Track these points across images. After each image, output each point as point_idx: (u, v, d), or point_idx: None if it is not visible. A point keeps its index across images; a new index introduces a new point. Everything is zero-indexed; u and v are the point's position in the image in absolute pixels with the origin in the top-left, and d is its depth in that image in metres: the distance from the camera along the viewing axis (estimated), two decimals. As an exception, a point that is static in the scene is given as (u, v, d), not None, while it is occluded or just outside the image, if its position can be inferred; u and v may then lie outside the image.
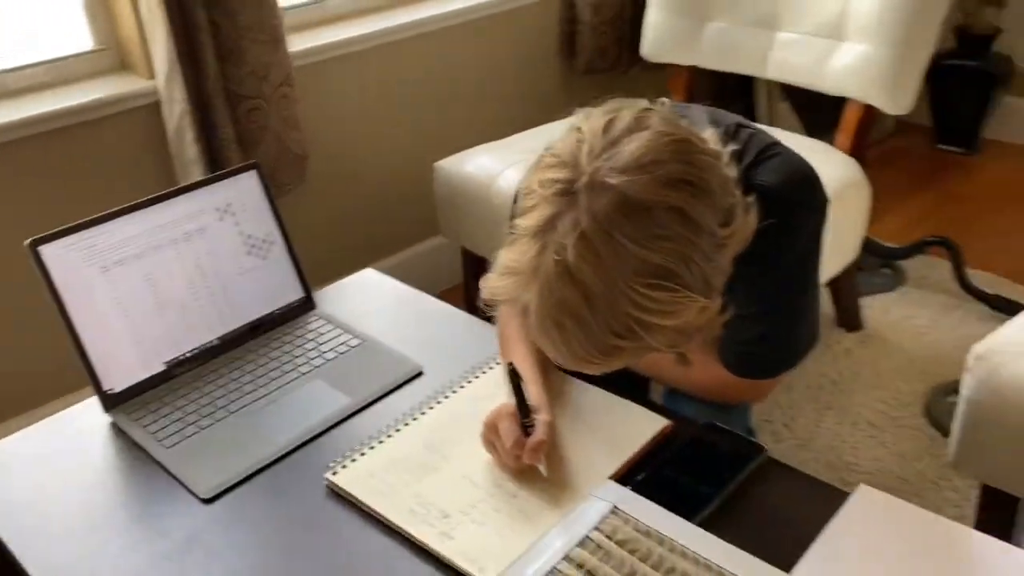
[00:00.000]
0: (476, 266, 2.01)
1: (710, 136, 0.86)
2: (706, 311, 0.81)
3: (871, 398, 1.87)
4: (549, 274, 0.79)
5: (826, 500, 0.92)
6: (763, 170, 0.94)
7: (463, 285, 2.07)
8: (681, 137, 0.80)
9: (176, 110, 1.64)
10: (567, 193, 0.79)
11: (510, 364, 0.99)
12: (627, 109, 0.83)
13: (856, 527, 0.88)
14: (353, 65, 2.08)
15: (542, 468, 0.96)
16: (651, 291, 0.77)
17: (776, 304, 0.99)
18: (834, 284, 2.00)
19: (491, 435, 0.98)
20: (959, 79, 2.94)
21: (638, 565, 0.83)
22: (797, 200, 0.94)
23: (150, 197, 1.17)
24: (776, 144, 0.97)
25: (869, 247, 2.26)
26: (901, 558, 0.84)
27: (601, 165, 0.78)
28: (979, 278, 2.24)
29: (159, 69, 1.65)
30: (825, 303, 2.05)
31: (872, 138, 2.50)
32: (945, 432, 1.74)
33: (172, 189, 1.19)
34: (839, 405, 1.86)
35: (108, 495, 1.02)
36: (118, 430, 1.11)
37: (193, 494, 1.00)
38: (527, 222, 0.82)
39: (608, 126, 0.81)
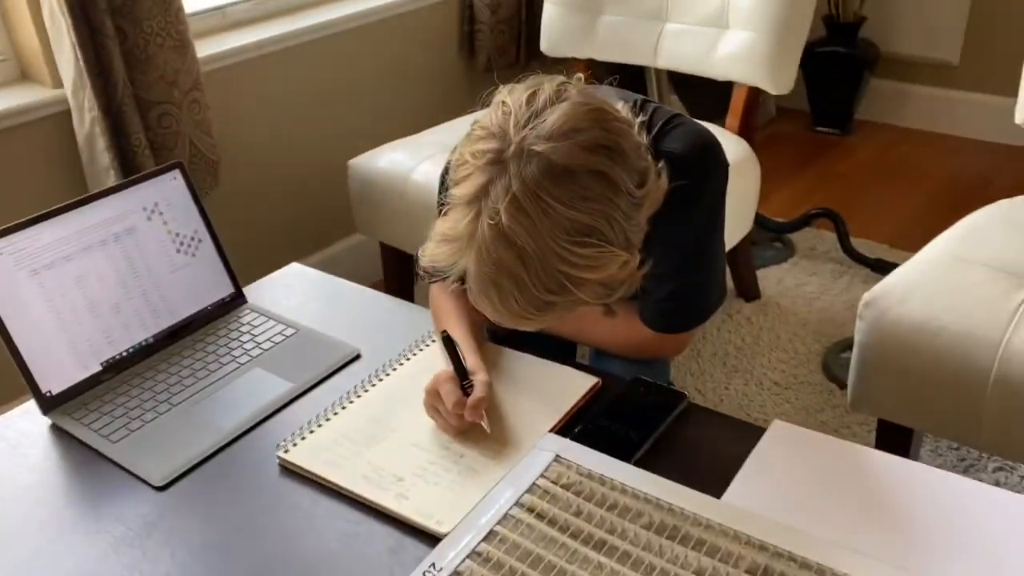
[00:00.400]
0: (395, 260, 2.06)
1: (621, 107, 0.94)
2: (627, 265, 0.89)
3: (773, 360, 2.01)
4: (485, 237, 0.85)
5: (745, 436, 1.01)
6: (669, 138, 1.03)
7: (383, 281, 2.11)
8: (597, 106, 0.88)
9: (86, 118, 1.63)
10: (497, 161, 0.86)
11: (444, 332, 1.05)
12: (547, 83, 0.90)
13: (774, 455, 0.97)
14: (260, 69, 2.10)
15: (485, 425, 1.02)
16: (578, 248, 0.85)
17: (688, 261, 1.09)
18: (732, 257, 2.13)
19: (433, 400, 1.03)
20: (831, 65, 3.15)
21: (583, 504, 0.91)
22: (701, 164, 1.04)
23: (76, 199, 1.18)
24: (679, 115, 1.06)
25: (761, 222, 2.41)
26: (815, 477, 0.94)
27: (527, 134, 0.85)
28: (861, 245, 2.42)
29: (66, 77, 1.63)
30: (726, 276, 2.18)
31: (757, 124, 2.66)
32: (842, 385, 1.89)
33: (98, 191, 1.20)
34: (744, 368, 1.99)
35: (56, 493, 1.02)
36: (59, 431, 1.12)
37: (146, 483, 1.02)
38: (461, 191, 0.88)
39: (531, 98, 0.88)
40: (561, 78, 0.93)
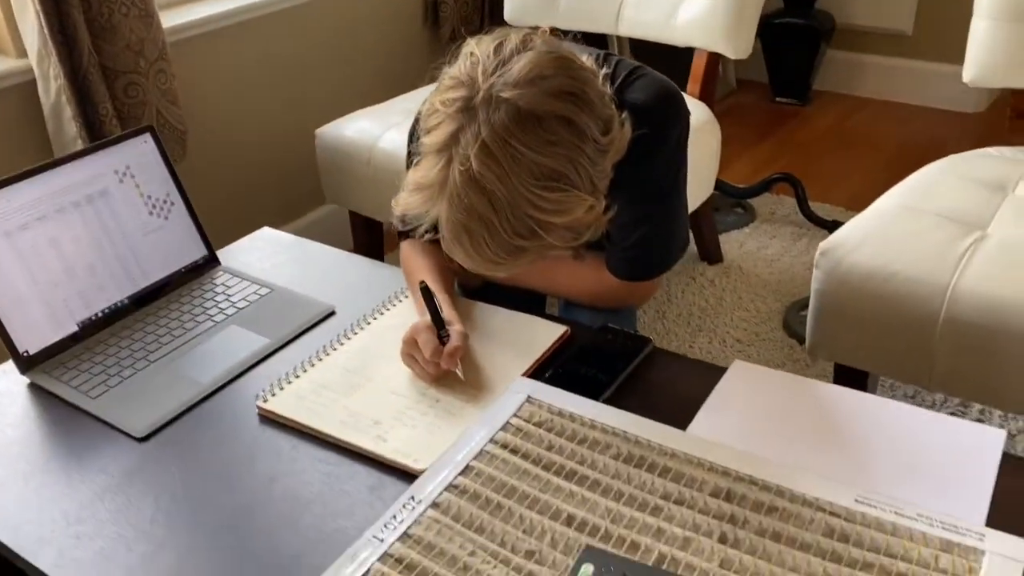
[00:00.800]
0: (365, 229, 2.08)
1: (586, 59, 0.98)
2: (593, 210, 0.93)
3: (735, 319, 2.07)
4: (456, 184, 0.89)
5: (707, 375, 1.05)
6: (632, 89, 1.06)
7: (354, 250, 2.13)
8: (562, 55, 0.92)
9: (52, 87, 1.63)
10: (466, 109, 0.89)
11: (422, 282, 1.08)
12: (513, 34, 0.93)
13: (735, 391, 1.02)
14: (226, 40, 2.10)
15: (459, 372, 1.05)
16: (546, 192, 0.88)
17: (652, 210, 1.13)
18: (696, 222, 2.18)
19: (410, 349, 1.06)
20: (789, 36, 3.20)
21: (554, 439, 0.95)
22: (664, 113, 1.08)
23: (48, 162, 1.19)
24: (641, 67, 1.10)
25: (723, 189, 2.47)
26: (774, 410, 0.98)
27: (495, 81, 0.88)
28: (819, 209, 2.48)
29: (30, 47, 1.63)
30: (688, 227, 2.23)
31: (717, 95, 2.70)
32: (801, 340, 1.95)
33: (69, 154, 1.21)
34: (708, 327, 2.04)
35: (38, 447, 1.04)
36: (38, 390, 1.13)
37: (127, 435, 1.04)
38: (432, 139, 0.91)
39: (498, 48, 0.91)
40: (527, 29, 0.96)
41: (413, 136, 1.16)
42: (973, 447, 0.91)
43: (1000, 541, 0.78)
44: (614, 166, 0.97)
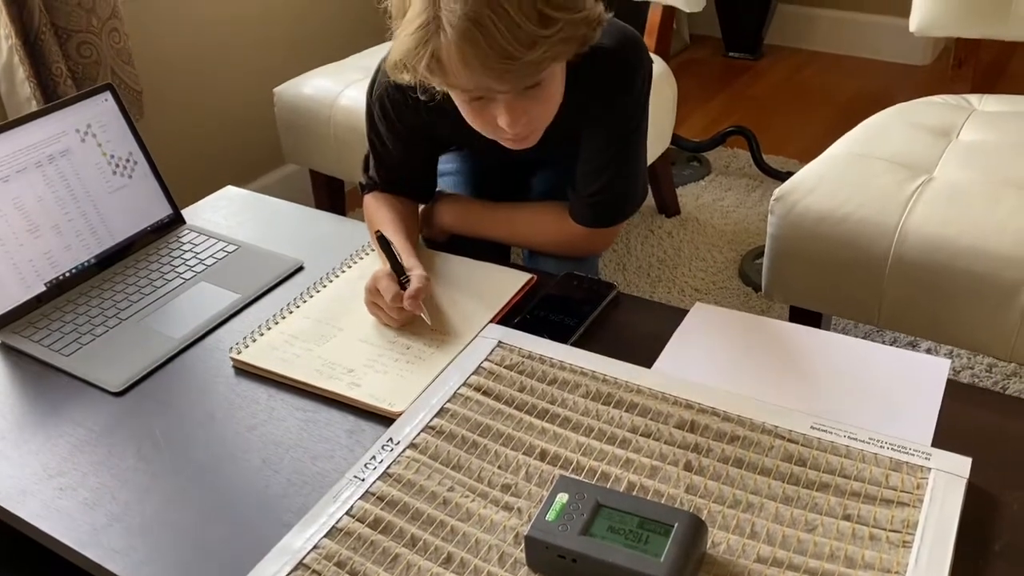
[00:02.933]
0: (327, 187, 2.08)
1: None
2: (589, 21, 0.94)
3: (694, 269, 2.12)
4: None
5: (670, 317, 1.09)
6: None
7: (316, 207, 2.13)
8: None
9: (3, 47, 1.60)
10: None
11: (378, 232, 1.09)
12: None
13: (697, 331, 1.06)
14: (178, -2, 2.07)
15: (425, 316, 1.07)
16: None
17: (614, 157, 1.15)
18: (653, 175, 2.21)
19: (373, 296, 1.08)
20: (741, -9, 3.24)
21: (526, 380, 0.98)
22: (629, 59, 1.10)
23: (7, 122, 1.18)
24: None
25: (678, 143, 2.51)
26: (734, 346, 1.03)
27: None
28: (773, 161, 2.53)
29: (-22, 6, 1.60)
30: (648, 194, 2.27)
31: (671, 51, 2.73)
32: (757, 288, 2.00)
33: (29, 113, 1.20)
34: (667, 278, 2.09)
35: (13, 405, 1.04)
36: (9, 350, 1.14)
37: (103, 390, 1.05)
38: None
39: None
40: None
41: (374, 85, 1.17)
42: (920, 375, 0.96)
43: (945, 459, 0.83)
44: (580, 108, 0.98)
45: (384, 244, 1.10)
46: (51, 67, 1.65)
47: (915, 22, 1.70)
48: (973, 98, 1.68)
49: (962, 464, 0.82)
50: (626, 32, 1.11)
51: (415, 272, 1.08)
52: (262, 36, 2.31)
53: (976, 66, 1.85)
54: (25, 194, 1.18)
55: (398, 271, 1.08)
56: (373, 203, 1.26)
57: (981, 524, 0.78)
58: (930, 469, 0.82)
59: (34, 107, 1.65)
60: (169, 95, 2.11)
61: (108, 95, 1.29)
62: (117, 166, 1.29)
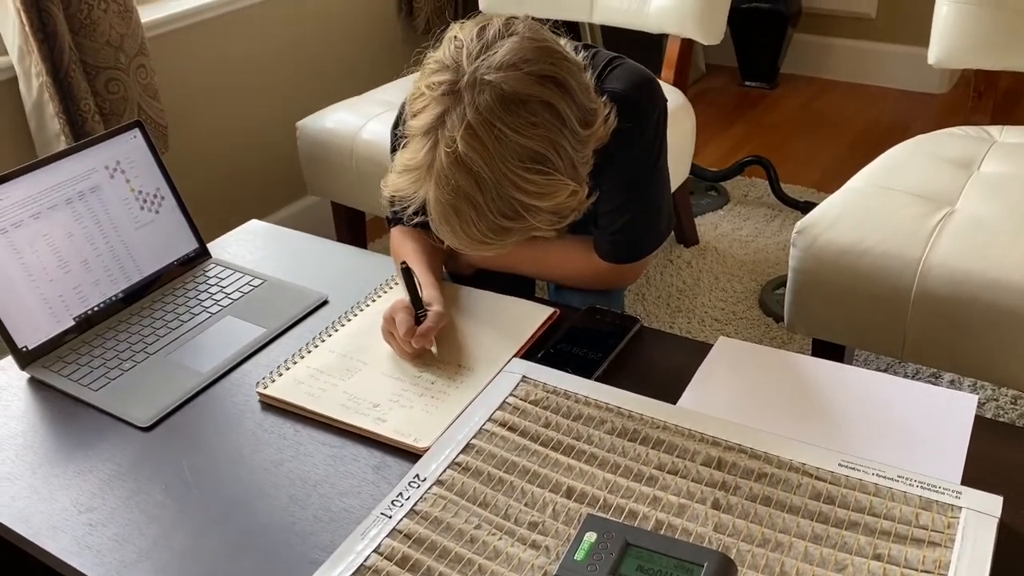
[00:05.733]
0: (348, 219, 2.10)
1: (568, 47, 1.01)
2: (576, 195, 0.96)
3: (713, 299, 2.12)
4: (443, 165, 0.92)
5: (694, 352, 1.10)
6: (611, 78, 1.10)
7: (337, 240, 2.15)
8: (546, 44, 0.96)
9: (34, 85, 1.63)
10: (452, 92, 0.92)
11: (403, 263, 1.11)
12: (496, 18, 0.97)
13: (721, 366, 1.06)
14: (204, 34, 2.11)
15: (433, 350, 1.09)
16: (529, 174, 0.92)
17: (635, 195, 1.16)
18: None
19: (389, 326, 1.09)
20: (756, 22, 3.25)
21: (551, 416, 0.98)
22: (643, 101, 1.11)
23: (40, 159, 1.20)
24: (619, 56, 1.13)
25: (697, 172, 2.51)
26: (759, 382, 1.03)
27: (479, 64, 0.92)
28: (791, 190, 2.54)
29: (11, 44, 1.63)
30: (672, 206, 2.28)
31: (688, 80, 2.75)
32: (777, 319, 2.00)
33: (60, 151, 1.23)
34: (687, 308, 2.09)
35: (44, 439, 1.05)
36: (39, 384, 1.15)
37: (131, 425, 1.06)
38: (419, 122, 0.94)
39: (481, 32, 0.95)
40: (509, 14, 1.00)
41: (399, 120, 1.19)
42: (947, 411, 0.96)
43: (976, 498, 0.83)
44: (596, 152, 1.00)
45: (407, 276, 1.11)
46: (80, 103, 1.68)
47: (934, 55, 1.71)
48: (994, 129, 1.68)
49: (994, 503, 0.82)
50: (638, 74, 1.12)
51: (433, 308, 1.09)
52: (285, 71, 2.34)
53: (994, 96, 1.86)
54: (55, 231, 1.20)
55: (417, 305, 1.09)
56: (399, 236, 1.27)
57: (1011, 566, 0.78)
58: (961, 508, 0.82)
59: (63, 143, 1.68)
60: (194, 129, 2.15)
61: (137, 132, 1.31)
62: (145, 201, 1.31)
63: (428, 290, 1.13)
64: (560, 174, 0.94)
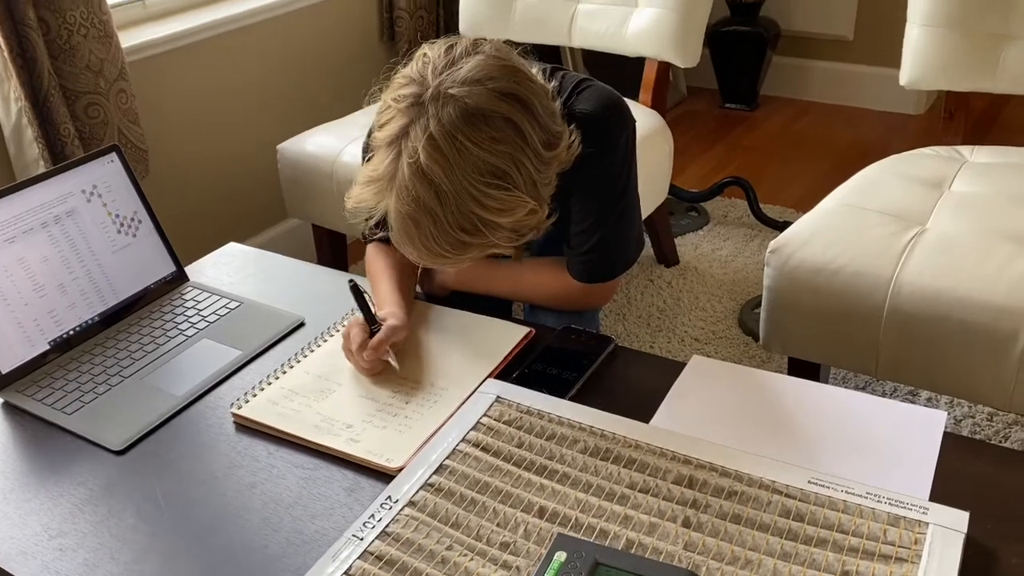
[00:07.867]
0: (329, 241, 2.11)
1: (536, 71, 1.03)
2: (535, 214, 0.98)
3: (693, 319, 2.13)
4: (404, 176, 0.93)
5: (668, 371, 1.10)
6: (579, 100, 1.11)
7: (317, 262, 2.16)
8: (511, 63, 0.97)
9: (12, 109, 1.63)
10: (416, 104, 0.93)
11: (351, 280, 1.12)
12: (464, 39, 0.99)
13: (694, 384, 1.07)
14: (185, 58, 2.12)
15: (393, 363, 1.09)
16: (490, 190, 0.93)
17: (605, 216, 1.17)
18: (651, 227, 2.24)
19: (346, 343, 1.11)
20: (735, 44, 3.30)
21: (524, 436, 0.99)
22: (611, 122, 1.13)
23: (15, 184, 1.20)
24: (587, 79, 1.15)
25: (676, 193, 2.53)
26: (731, 400, 1.03)
27: (444, 79, 0.93)
28: (770, 211, 2.56)
29: (-11, 70, 1.64)
30: (647, 245, 2.29)
31: (669, 103, 2.78)
32: (756, 338, 2.01)
33: (37, 175, 1.23)
34: (667, 328, 2.10)
35: (15, 465, 1.05)
36: (12, 408, 1.14)
37: (104, 449, 1.06)
38: (384, 133, 0.96)
39: (449, 50, 0.97)
40: (479, 37, 1.02)
41: (370, 135, 1.20)
42: (917, 428, 0.97)
43: (942, 513, 0.83)
44: (566, 177, 1.02)
45: (356, 293, 1.12)
46: (59, 128, 1.68)
47: (905, 76, 1.74)
48: (965, 149, 1.70)
49: (960, 519, 0.83)
50: (606, 95, 1.14)
51: (387, 322, 1.10)
52: (266, 95, 2.36)
53: (967, 116, 1.88)
54: (31, 254, 1.20)
55: (369, 320, 1.10)
56: (373, 252, 1.28)
57: (980, 579, 0.78)
58: (928, 524, 0.83)
59: (42, 168, 1.68)
60: (174, 153, 2.15)
61: (114, 156, 1.31)
62: (122, 225, 1.31)
63: (390, 307, 1.15)
64: (520, 191, 0.95)
